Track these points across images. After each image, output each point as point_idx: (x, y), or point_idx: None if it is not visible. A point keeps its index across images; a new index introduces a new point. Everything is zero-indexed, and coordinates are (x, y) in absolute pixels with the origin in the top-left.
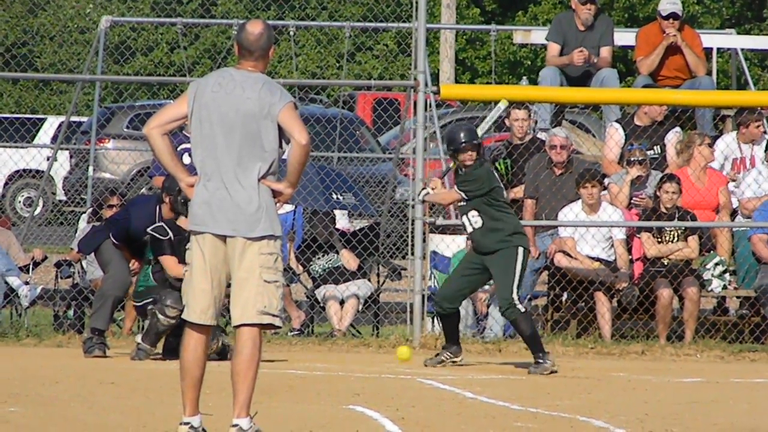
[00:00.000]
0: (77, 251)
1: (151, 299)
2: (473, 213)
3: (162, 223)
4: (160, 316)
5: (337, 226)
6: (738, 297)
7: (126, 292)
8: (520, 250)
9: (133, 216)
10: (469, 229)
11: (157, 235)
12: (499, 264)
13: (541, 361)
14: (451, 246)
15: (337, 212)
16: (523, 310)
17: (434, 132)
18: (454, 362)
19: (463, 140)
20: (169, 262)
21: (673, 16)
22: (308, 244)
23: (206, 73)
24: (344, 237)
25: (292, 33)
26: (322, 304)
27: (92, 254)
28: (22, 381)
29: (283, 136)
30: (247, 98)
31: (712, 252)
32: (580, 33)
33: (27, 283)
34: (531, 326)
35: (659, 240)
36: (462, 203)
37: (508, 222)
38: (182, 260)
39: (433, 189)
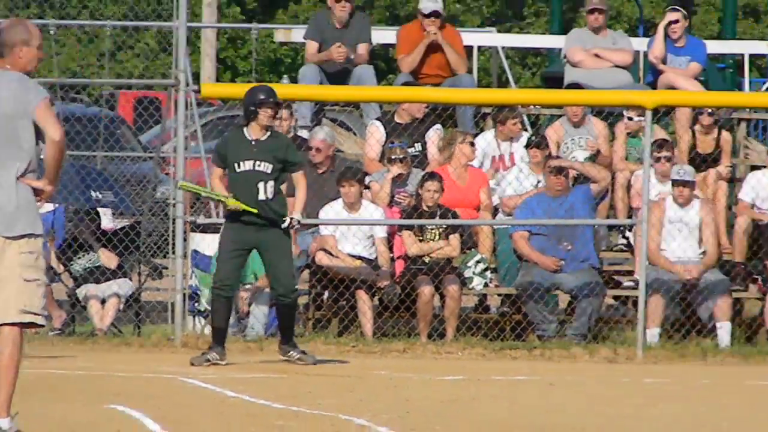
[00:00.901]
0: None
1: None
2: (272, 183)
3: None
4: None
5: (101, 225)
6: (499, 295)
7: None
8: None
9: None
10: (262, 198)
11: None
12: (280, 245)
13: (296, 353)
14: (212, 245)
15: (101, 211)
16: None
17: (195, 131)
18: (217, 364)
19: (264, 96)
20: None
21: (434, 14)
22: (69, 243)
23: None
24: (105, 236)
25: (52, 32)
26: (83, 304)
27: None
28: None
29: (40, 133)
30: (2, 98)
31: (473, 250)
32: (337, 30)
33: None
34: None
35: (420, 238)
36: (270, 171)
37: (283, 196)
38: None
39: (291, 216)
